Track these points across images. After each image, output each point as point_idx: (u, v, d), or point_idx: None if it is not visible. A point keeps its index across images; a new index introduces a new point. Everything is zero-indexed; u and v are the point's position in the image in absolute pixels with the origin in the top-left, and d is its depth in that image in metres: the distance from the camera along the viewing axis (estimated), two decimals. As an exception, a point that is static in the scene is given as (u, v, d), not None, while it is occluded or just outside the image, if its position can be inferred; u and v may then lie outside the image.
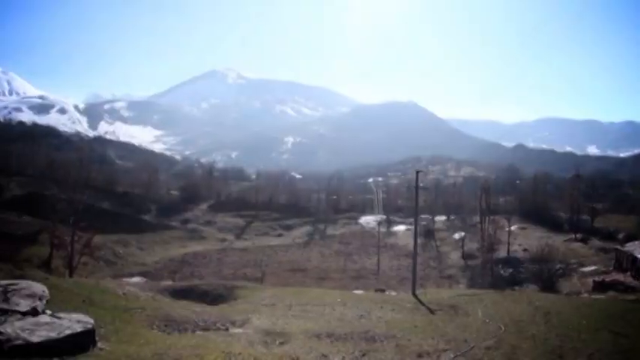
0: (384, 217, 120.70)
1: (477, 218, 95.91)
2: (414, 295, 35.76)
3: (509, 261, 76.21)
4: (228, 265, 78.73)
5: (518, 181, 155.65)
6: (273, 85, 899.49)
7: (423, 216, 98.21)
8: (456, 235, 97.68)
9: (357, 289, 50.41)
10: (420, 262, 66.97)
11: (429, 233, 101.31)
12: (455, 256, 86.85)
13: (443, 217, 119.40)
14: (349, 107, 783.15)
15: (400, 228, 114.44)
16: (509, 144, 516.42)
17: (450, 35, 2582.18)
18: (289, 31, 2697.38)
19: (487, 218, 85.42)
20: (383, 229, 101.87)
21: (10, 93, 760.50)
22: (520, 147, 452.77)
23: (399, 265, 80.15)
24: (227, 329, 20.74)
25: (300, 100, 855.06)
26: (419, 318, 25.94)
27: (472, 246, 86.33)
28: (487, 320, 24.02)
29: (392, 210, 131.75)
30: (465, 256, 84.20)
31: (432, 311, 28.31)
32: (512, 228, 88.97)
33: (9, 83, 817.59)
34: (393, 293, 42.61)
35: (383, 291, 44.92)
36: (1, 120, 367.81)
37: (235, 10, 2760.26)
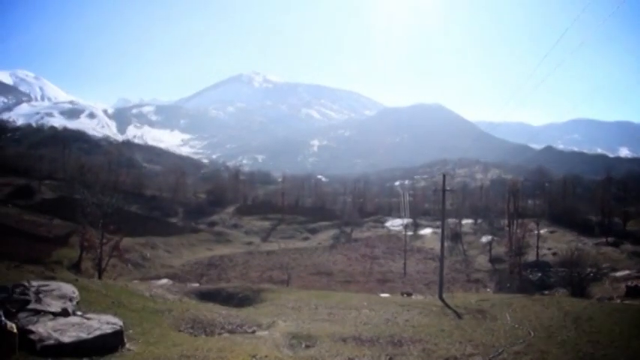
0: (411, 220, 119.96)
1: (505, 221, 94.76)
2: (441, 298, 35.48)
3: (538, 265, 75.02)
4: (255, 268, 78.93)
5: (547, 184, 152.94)
6: (299, 89, 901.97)
7: (449, 219, 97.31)
8: (484, 239, 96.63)
9: (383, 292, 50.15)
10: (447, 266, 66.43)
11: (456, 236, 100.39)
12: (482, 260, 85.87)
13: (470, 221, 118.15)
14: (375, 110, 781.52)
15: (427, 231, 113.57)
16: (538, 146, 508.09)
17: (477, 37, 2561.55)
18: (315, 35, 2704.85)
19: (515, 221, 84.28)
20: (409, 233, 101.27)
21: (42, 99, 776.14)
22: (549, 149, 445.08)
23: (426, 268, 79.48)
24: (253, 332, 20.82)
25: (326, 104, 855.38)
26: (446, 322, 25.71)
27: (500, 250, 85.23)
28: (516, 325, 23.72)
29: (418, 213, 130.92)
30: (493, 260, 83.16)
31: (459, 315, 28.04)
32: (541, 231, 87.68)
33: (41, 89, 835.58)
34: (420, 297, 42.29)
35: (409, 294, 44.61)
36: (34, 125, 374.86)
37: (262, 14, 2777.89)
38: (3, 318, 9.75)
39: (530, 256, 77.57)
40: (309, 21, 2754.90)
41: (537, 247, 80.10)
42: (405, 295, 43.14)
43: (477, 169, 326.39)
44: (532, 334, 21.34)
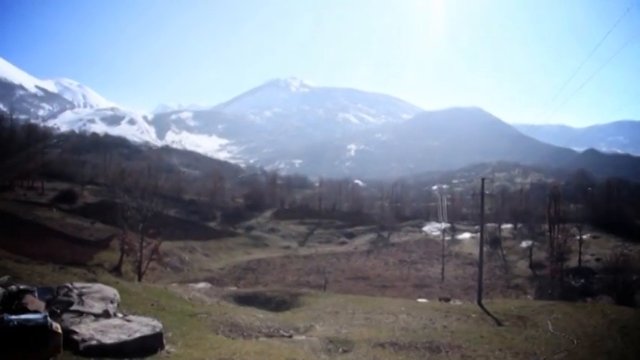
0: (449, 224, 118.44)
1: (546, 226, 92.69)
2: (480, 304, 34.93)
3: (581, 271, 73.13)
4: (292, 272, 79.17)
5: (589, 188, 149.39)
6: (336, 93, 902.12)
7: (488, 224, 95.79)
8: (524, 244, 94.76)
9: (420, 297, 49.68)
10: (486, 271, 65.39)
11: (495, 241, 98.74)
12: (522, 266, 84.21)
13: (509, 225, 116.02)
14: (412, 114, 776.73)
15: (465, 236, 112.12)
16: (579, 149, 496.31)
17: (515, 37, 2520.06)
18: (351, 39, 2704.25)
19: (556, 226, 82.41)
20: (447, 237, 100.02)
21: (85, 106, 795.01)
22: (592, 152, 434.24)
23: (464, 273, 78.47)
24: (290, 336, 20.85)
25: (363, 108, 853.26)
26: (485, 328, 25.31)
27: (540, 255, 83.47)
28: (557, 333, 23.17)
29: (456, 218, 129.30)
30: (533, 266, 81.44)
31: (498, 322, 27.58)
32: (584, 237, 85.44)
33: (84, 97, 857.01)
34: (458, 302, 41.75)
35: (447, 300, 44.10)
36: (77, 131, 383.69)
37: (298, 19, 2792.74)
38: (49, 318, 10.01)
39: (573, 262, 75.69)
40: (346, 25, 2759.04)
41: (580, 253, 78.12)
42: (443, 301, 42.66)
43: (517, 173, 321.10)
44: (575, 342, 20.80)
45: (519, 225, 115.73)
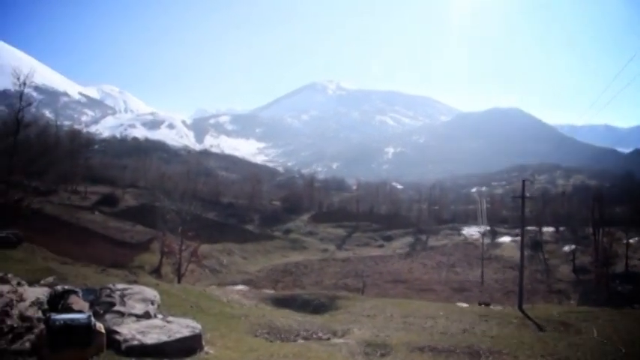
0: (488, 227, 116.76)
1: (590, 230, 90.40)
2: (521, 309, 34.28)
3: (628, 276, 71.07)
4: (329, 275, 79.13)
5: (636, 190, 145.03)
6: (373, 96, 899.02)
7: (529, 227, 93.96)
8: (566, 248, 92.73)
9: (460, 301, 48.98)
10: (527, 276, 64.10)
11: (537, 245, 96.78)
12: (565, 270, 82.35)
13: (551, 229, 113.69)
14: (450, 116, 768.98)
15: (505, 239, 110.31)
16: (625, 150, 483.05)
17: (555, 36, 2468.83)
18: (387, 41, 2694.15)
19: (601, 230, 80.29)
20: (487, 241, 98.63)
21: (126, 111, 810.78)
22: (638, 153, 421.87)
23: (504, 277, 77.19)
24: (328, 339, 20.81)
25: (400, 110, 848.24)
26: (526, 334, 24.78)
27: (584, 259, 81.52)
28: (603, 340, 22.50)
29: (496, 221, 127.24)
30: (577, 270, 79.56)
31: (540, 327, 27.00)
32: (631, 241, 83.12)
33: (125, 102, 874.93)
34: (498, 307, 41.02)
35: (487, 304, 43.34)
36: (118, 136, 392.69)
37: (334, 22, 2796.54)
38: (93, 319, 10.23)
39: (619, 267, 73.68)
40: (382, 28, 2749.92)
41: (627, 257, 75.96)
42: (483, 305, 41.95)
43: (558, 175, 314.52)
44: (623, 350, 20.16)
45: (561, 228, 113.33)
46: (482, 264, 79.00)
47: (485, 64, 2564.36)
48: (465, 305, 40.99)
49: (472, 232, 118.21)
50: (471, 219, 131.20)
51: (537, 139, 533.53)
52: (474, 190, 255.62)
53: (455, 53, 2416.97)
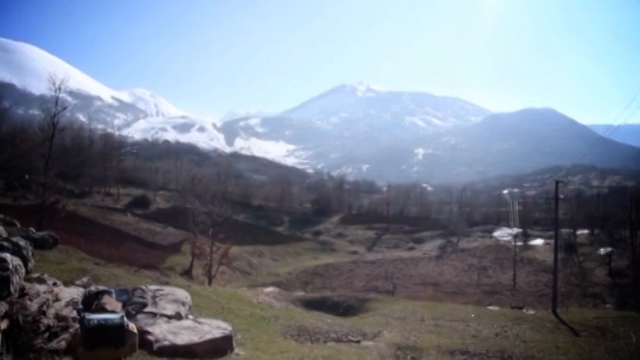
0: (520, 230, 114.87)
1: (627, 232, 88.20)
2: (555, 313, 33.65)
3: (667, 280, 69.17)
4: (359, 277, 78.83)
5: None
6: (403, 97, 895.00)
7: (563, 229, 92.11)
8: (602, 250, 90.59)
9: (491, 304, 48.37)
10: (561, 279, 62.79)
11: (571, 248, 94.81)
12: (600, 273, 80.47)
13: (586, 231, 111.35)
14: (481, 116, 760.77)
15: (538, 242, 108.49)
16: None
17: (591, 33, 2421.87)
18: (417, 42, 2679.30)
19: (638, 232, 78.29)
20: (519, 243, 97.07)
21: (157, 114, 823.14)
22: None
23: (537, 280, 75.81)
24: (359, 341, 20.73)
25: (431, 111, 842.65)
26: (561, 339, 24.32)
27: (621, 263, 79.53)
28: (642, 345, 21.95)
29: (529, 223, 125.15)
30: (613, 274, 77.63)
31: (575, 332, 26.47)
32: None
33: (156, 106, 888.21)
34: (531, 311, 40.35)
35: (520, 308, 42.67)
36: (149, 139, 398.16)
37: (364, 24, 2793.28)
38: (125, 319, 10.39)
39: (658, 271, 71.71)
40: (411, 29, 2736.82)
41: (666, 261, 73.92)
42: (516, 309, 41.34)
43: (593, 176, 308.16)
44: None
45: (597, 231, 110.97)
46: (514, 267, 77.79)
47: (516, 63, 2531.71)
48: (496, 308, 40.46)
49: (504, 234, 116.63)
50: (502, 221, 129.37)
51: (571, 139, 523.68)
52: (505, 191, 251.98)
53: (485, 53, 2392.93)
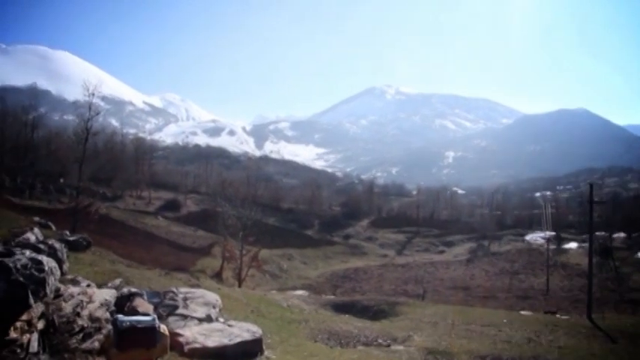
0: (554, 233, 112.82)
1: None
2: (590, 319, 32.95)
3: None
4: (389, 280, 78.41)
5: None
6: (433, 99, 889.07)
7: (598, 233, 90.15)
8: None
9: (524, 309, 47.64)
10: (596, 284, 61.48)
11: (606, 252, 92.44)
12: (639, 278, 78.59)
13: (622, 235, 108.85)
14: (513, 118, 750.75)
15: (572, 245, 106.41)
16: None
17: (626, 29, 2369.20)
18: (446, 44, 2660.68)
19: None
20: (552, 247, 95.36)
21: (188, 119, 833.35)
22: None
23: (571, 285, 74.32)
24: (389, 345, 20.61)
25: (461, 113, 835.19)
26: (596, 346, 23.79)
27: (661, 267, 77.61)
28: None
29: (562, 226, 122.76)
30: (652, 279, 75.74)
31: (612, 339, 25.86)
32: None
33: (186, 110, 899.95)
34: (565, 316, 39.62)
35: (554, 313, 41.91)
36: (180, 143, 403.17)
37: (392, 27, 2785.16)
38: (157, 321, 10.52)
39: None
40: (441, 30, 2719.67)
41: None
42: (549, 314, 40.62)
43: (630, 178, 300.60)
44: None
45: (634, 234, 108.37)
46: (547, 271, 76.38)
47: (547, 63, 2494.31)
48: (529, 313, 39.82)
49: (536, 237, 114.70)
50: (535, 224, 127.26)
51: (606, 140, 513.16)
52: (538, 194, 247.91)
53: (516, 53, 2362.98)
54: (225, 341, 12.03)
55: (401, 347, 20.31)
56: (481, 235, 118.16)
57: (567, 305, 60.15)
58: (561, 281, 77.40)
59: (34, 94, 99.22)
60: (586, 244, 58.05)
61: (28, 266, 8.81)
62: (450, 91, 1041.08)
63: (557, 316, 39.13)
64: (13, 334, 8.16)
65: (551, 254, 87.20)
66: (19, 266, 8.60)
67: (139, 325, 10.02)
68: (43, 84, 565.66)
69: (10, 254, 9.15)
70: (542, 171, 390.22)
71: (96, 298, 11.18)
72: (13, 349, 8.06)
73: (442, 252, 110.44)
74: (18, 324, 8.31)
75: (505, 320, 30.48)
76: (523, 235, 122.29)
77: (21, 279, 8.41)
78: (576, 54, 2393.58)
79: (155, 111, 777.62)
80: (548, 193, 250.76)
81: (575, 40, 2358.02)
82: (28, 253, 9.64)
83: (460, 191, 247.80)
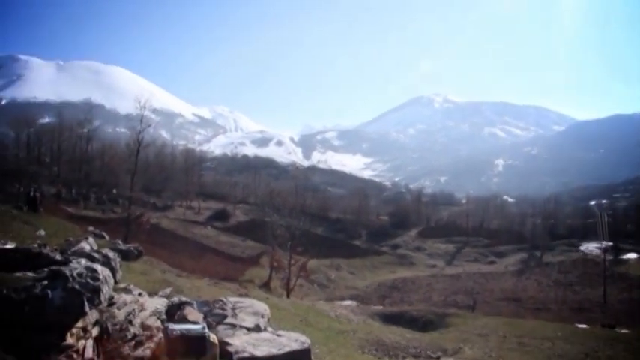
0: (610, 243, 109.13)
1: None
2: (652, 333, 31.66)
3: None
4: (438, 291, 77.38)
5: None
6: (481, 107, 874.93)
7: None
8: None
9: (579, 322, 46.13)
10: (658, 296, 59.21)
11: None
12: None
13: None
14: (565, 125, 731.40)
15: (630, 256, 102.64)
16: None
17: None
18: (495, 51, 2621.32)
19: None
20: (609, 257, 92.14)
21: (236, 130, 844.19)
22: None
23: (631, 297, 71.58)
24: (438, 358, 20.33)
25: (511, 121, 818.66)
26: (658, 360, 22.84)
27: None
28: None
29: (619, 236, 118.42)
30: None
31: (675, 353, 24.79)
32: None
33: (235, 121, 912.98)
34: (625, 330, 38.14)
35: (612, 327, 40.38)
36: (229, 154, 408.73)
37: (440, 35, 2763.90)
38: (207, 329, 10.67)
39: None
40: (489, 37, 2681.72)
41: None
42: (607, 327, 39.18)
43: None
44: None
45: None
46: (604, 282, 73.77)
47: (601, 67, 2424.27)
48: (585, 327, 38.56)
49: (591, 247, 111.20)
50: (590, 234, 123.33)
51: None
52: (592, 203, 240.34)
53: (568, 58, 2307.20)
54: (274, 351, 12.06)
55: (450, 359, 19.98)
56: (533, 245, 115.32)
57: (626, 318, 57.93)
58: (620, 293, 74.61)
59: (88, 108, 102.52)
60: (645, 255, 55.88)
61: (84, 274, 9.09)
62: (500, 98, 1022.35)
63: (616, 329, 37.68)
64: (69, 340, 8.44)
65: (608, 265, 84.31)
66: (75, 274, 8.89)
67: (189, 334, 10.18)
68: (97, 98, 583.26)
69: (67, 263, 9.47)
70: (596, 179, 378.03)
71: (147, 307, 11.45)
72: (70, 354, 8.33)
73: (492, 262, 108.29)
74: (74, 330, 8.60)
75: (559, 333, 29.60)
76: (577, 245, 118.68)
77: (77, 287, 8.68)
78: (629, 57, 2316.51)
79: (204, 122, 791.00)
80: (604, 201, 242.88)
81: (629, 41, 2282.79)
82: (83, 261, 9.97)
83: (510, 200, 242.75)
